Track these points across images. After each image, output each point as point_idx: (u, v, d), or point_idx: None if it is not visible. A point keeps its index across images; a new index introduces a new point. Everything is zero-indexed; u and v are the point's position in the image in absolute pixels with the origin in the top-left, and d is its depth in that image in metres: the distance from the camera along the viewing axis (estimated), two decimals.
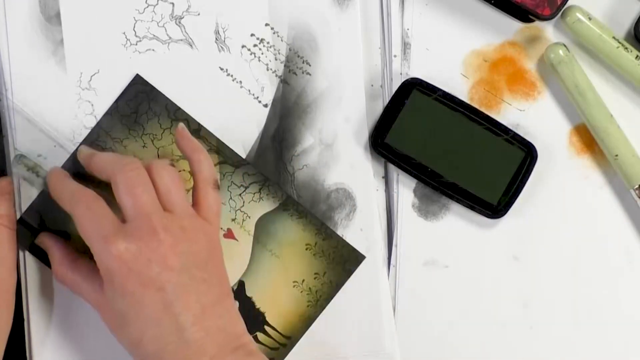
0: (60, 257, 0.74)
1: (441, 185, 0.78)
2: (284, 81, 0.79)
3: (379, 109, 0.79)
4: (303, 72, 0.79)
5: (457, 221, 0.80)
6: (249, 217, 0.79)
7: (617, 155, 0.78)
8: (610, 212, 0.81)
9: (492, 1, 0.80)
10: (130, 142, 0.78)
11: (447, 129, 0.78)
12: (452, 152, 0.78)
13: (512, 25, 0.81)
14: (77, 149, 0.76)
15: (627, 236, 0.81)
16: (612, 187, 0.81)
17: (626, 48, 0.78)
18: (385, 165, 0.80)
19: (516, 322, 0.81)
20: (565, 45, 0.78)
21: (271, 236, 0.79)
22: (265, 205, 0.79)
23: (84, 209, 0.69)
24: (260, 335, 0.79)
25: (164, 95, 0.78)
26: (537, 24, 0.81)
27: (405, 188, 0.80)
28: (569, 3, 0.78)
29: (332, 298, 0.79)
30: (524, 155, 0.78)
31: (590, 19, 0.78)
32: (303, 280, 0.79)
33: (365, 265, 0.79)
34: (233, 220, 0.79)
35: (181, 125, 0.75)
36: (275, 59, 0.79)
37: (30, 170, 0.76)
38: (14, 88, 0.77)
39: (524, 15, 0.80)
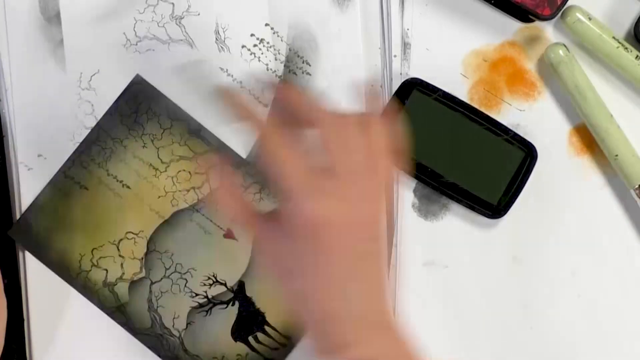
0: (233, 182, 0.70)
1: (441, 185, 0.78)
2: (284, 81, 0.79)
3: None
4: (303, 72, 0.79)
5: (457, 221, 0.80)
6: None
7: (617, 155, 0.78)
8: (610, 212, 0.81)
9: (492, 1, 0.80)
10: (130, 142, 0.78)
11: (447, 129, 0.78)
12: (452, 152, 0.78)
13: (512, 25, 0.81)
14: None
15: (627, 236, 0.81)
16: (612, 187, 0.81)
17: (626, 48, 0.78)
18: None
19: (516, 322, 0.81)
20: (565, 45, 0.78)
21: None
22: (265, 205, 0.79)
23: (278, 148, 0.62)
24: (260, 336, 0.79)
25: (164, 95, 0.78)
26: (537, 24, 0.81)
27: (405, 188, 0.80)
28: (569, 3, 0.78)
29: None
30: (524, 155, 0.78)
31: (590, 19, 0.78)
32: None
33: None
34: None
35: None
36: (275, 59, 0.79)
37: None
38: (14, 88, 0.77)
39: (524, 15, 0.80)
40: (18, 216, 0.77)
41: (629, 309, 0.81)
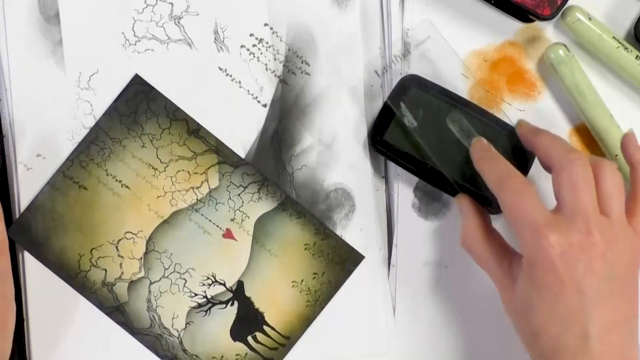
0: (475, 225, 0.74)
1: (440, 181, 0.78)
2: (283, 81, 0.79)
3: (378, 109, 0.79)
4: (302, 72, 0.79)
5: (457, 221, 0.80)
6: (248, 217, 0.79)
7: (617, 155, 0.78)
8: None
9: (492, 1, 0.80)
10: (129, 142, 0.78)
11: (445, 125, 0.78)
12: (451, 148, 0.78)
13: (512, 25, 0.81)
14: (517, 122, 0.77)
15: None
16: None
17: (626, 48, 0.78)
18: (385, 165, 0.80)
19: None
20: (565, 45, 0.78)
21: (270, 236, 0.79)
22: (264, 205, 0.79)
23: (513, 193, 0.68)
24: (259, 335, 0.79)
25: (163, 95, 0.78)
26: (537, 24, 0.81)
27: (405, 188, 0.80)
28: (569, 3, 0.78)
29: (331, 298, 0.79)
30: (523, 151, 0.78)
31: (590, 19, 0.78)
32: (302, 280, 0.79)
33: (364, 265, 0.80)
34: (232, 220, 0.79)
35: (630, 130, 0.74)
36: (274, 59, 0.79)
37: (462, 132, 0.76)
38: (13, 88, 0.77)
39: (524, 15, 0.80)
40: (17, 216, 0.77)
41: None
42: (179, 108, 0.78)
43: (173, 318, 0.79)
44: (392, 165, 0.80)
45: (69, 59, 0.78)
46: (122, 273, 0.79)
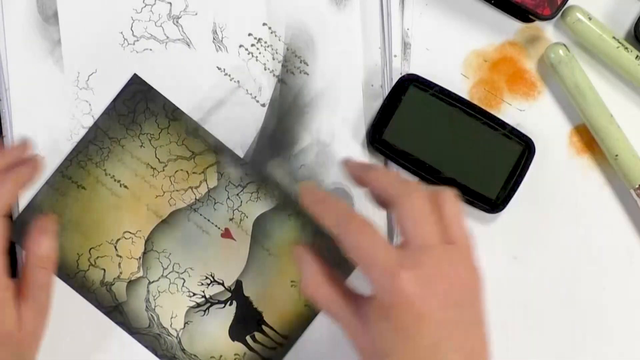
0: (314, 272, 0.68)
1: (439, 180, 0.78)
2: (282, 81, 0.79)
3: (377, 108, 0.79)
4: (301, 72, 0.79)
5: None
6: (247, 217, 0.79)
7: (617, 155, 0.78)
8: (610, 212, 0.81)
9: (492, 1, 0.80)
10: (128, 141, 0.78)
11: (444, 124, 0.78)
12: (450, 147, 0.78)
13: (512, 25, 0.81)
14: (343, 161, 0.72)
15: (627, 236, 0.81)
16: (612, 187, 0.81)
17: (626, 48, 0.78)
18: (385, 164, 0.80)
19: (516, 322, 0.80)
20: (565, 45, 0.78)
21: (269, 236, 0.79)
22: (262, 205, 0.79)
23: (356, 235, 0.64)
24: (257, 335, 0.79)
25: (161, 94, 0.78)
26: (537, 24, 0.80)
27: None
28: (569, 3, 0.77)
29: None
30: (522, 149, 0.78)
31: (590, 19, 0.78)
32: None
33: None
34: (231, 219, 0.79)
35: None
36: (273, 59, 0.79)
37: (287, 178, 0.77)
38: (12, 88, 0.78)
39: (524, 15, 0.80)
40: (16, 215, 0.78)
41: (628, 309, 0.81)
42: (177, 108, 0.78)
43: (172, 317, 0.79)
44: (391, 165, 0.80)
45: (67, 58, 0.78)
46: (121, 273, 0.79)
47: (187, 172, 0.78)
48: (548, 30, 0.81)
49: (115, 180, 0.78)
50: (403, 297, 0.62)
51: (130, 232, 0.79)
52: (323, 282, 0.68)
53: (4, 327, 0.69)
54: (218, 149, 0.79)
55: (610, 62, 0.79)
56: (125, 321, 0.78)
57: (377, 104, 0.80)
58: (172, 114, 0.78)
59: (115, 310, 0.78)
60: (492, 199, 0.78)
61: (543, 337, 0.80)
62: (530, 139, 0.78)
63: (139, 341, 0.78)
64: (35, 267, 0.71)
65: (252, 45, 0.79)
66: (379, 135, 0.78)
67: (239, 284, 0.79)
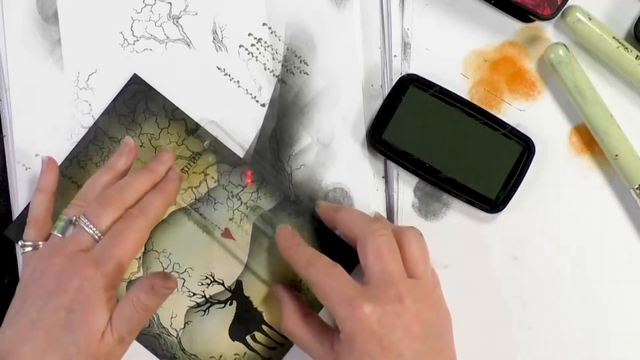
0: (293, 310, 0.74)
1: (440, 180, 0.78)
2: (282, 81, 0.79)
3: (377, 108, 0.79)
4: (300, 72, 0.79)
5: (456, 221, 0.80)
6: (246, 217, 0.79)
7: (617, 155, 0.78)
8: (610, 212, 0.81)
9: (492, 1, 0.80)
10: None
11: (444, 124, 0.78)
12: (450, 147, 0.78)
13: (512, 25, 0.81)
14: (316, 204, 0.78)
15: (627, 236, 0.81)
16: (612, 187, 0.81)
17: (626, 48, 0.78)
18: (385, 164, 0.80)
19: (516, 322, 0.80)
20: (565, 45, 0.78)
21: (268, 236, 0.79)
22: (262, 205, 0.79)
23: (322, 274, 0.69)
24: (258, 335, 0.79)
25: (161, 94, 0.78)
26: (537, 24, 0.80)
27: (405, 188, 0.80)
28: (569, 3, 0.77)
29: None
30: (522, 149, 0.78)
31: (590, 19, 0.78)
32: (301, 280, 0.79)
33: None
34: (231, 219, 0.79)
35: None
36: (273, 59, 0.79)
37: (266, 223, 0.77)
38: (12, 88, 0.78)
39: (524, 15, 0.80)
40: (16, 215, 0.78)
41: (629, 308, 0.81)
42: (177, 108, 0.78)
43: (172, 317, 0.79)
44: (392, 165, 0.80)
45: (67, 58, 0.78)
46: None
47: (187, 172, 0.78)
48: (548, 30, 0.81)
49: None
50: (366, 327, 0.66)
51: None
52: (300, 319, 0.73)
53: None
54: (217, 149, 0.79)
55: (610, 62, 0.79)
56: None
57: (377, 104, 0.80)
58: (172, 113, 0.78)
59: None
60: (491, 199, 0.78)
61: (543, 337, 0.80)
62: (530, 139, 0.78)
63: (139, 341, 0.78)
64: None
65: (252, 45, 0.79)
66: (379, 135, 0.78)
67: (239, 284, 0.79)
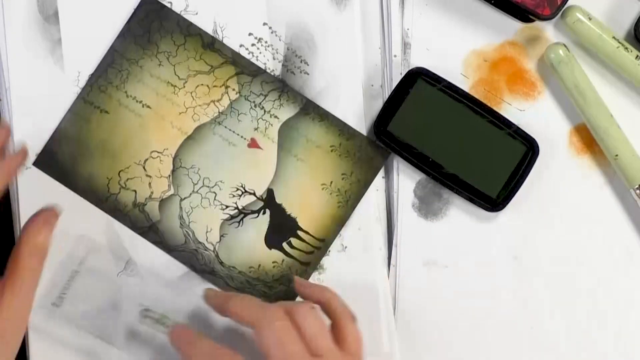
0: None
1: (442, 176, 0.78)
2: (282, 80, 0.79)
3: (378, 108, 0.79)
4: (301, 72, 0.79)
5: (456, 221, 0.80)
6: (271, 125, 0.79)
7: (617, 155, 0.78)
8: (610, 212, 0.81)
9: (492, 1, 0.80)
10: (146, 61, 0.78)
11: (450, 120, 0.78)
12: (454, 143, 0.78)
13: (512, 25, 0.81)
14: (204, 293, 0.74)
15: (627, 236, 0.81)
16: (612, 187, 0.81)
17: (626, 48, 0.78)
18: (385, 164, 0.80)
19: (516, 322, 0.80)
20: (565, 45, 0.78)
21: (295, 141, 0.79)
22: (286, 111, 0.79)
23: None
24: (294, 241, 0.79)
25: (174, 12, 0.78)
26: (537, 24, 0.80)
27: (405, 188, 0.80)
28: (569, 3, 0.77)
29: (361, 197, 0.79)
30: (526, 150, 0.78)
31: (590, 19, 0.78)
32: (331, 182, 0.79)
33: (364, 265, 0.80)
34: (256, 129, 0.79)
35: (296, 278, 0.75)
36: (273, 59, 0.79)
37: (157, 323, 0.77)
38: (12, 87, 0.78)
39: (524, 15, 0.80)
40: (18, 215, 0.77)
41: (629, 308, 0.81)
42: (192, 23, 0.78)
43: (207, 232, 0.79)
44: (392, 165, 0.80)
45: (67, 58, 0.78)
46: (152, 192, 0.79)
47: (207, 86, 0.78)
48: (548, 30, 0.81)
49: (137, 101, 0.78)
50: None
51: (157, 151, 0.79)
52: None
53: None
54: (236, 60, 0.78)
55: (610, 62, 0.79)
56: (161, 240, 0.79)
57: (377, 103, 0.80)
58: (187, 29, 0.78)
59: (150, 230, 0.78)
60: (492, 198, 0.78)
61: (543, 337, 0.80)
62: (534, 140, 0.78)
63: (177, 259, 0.79)
64: (30, 253, 0.69)
65: (253, 45, 0.79)
66: (384, 127, 0.78)
67: (270, 192, 0.79)
